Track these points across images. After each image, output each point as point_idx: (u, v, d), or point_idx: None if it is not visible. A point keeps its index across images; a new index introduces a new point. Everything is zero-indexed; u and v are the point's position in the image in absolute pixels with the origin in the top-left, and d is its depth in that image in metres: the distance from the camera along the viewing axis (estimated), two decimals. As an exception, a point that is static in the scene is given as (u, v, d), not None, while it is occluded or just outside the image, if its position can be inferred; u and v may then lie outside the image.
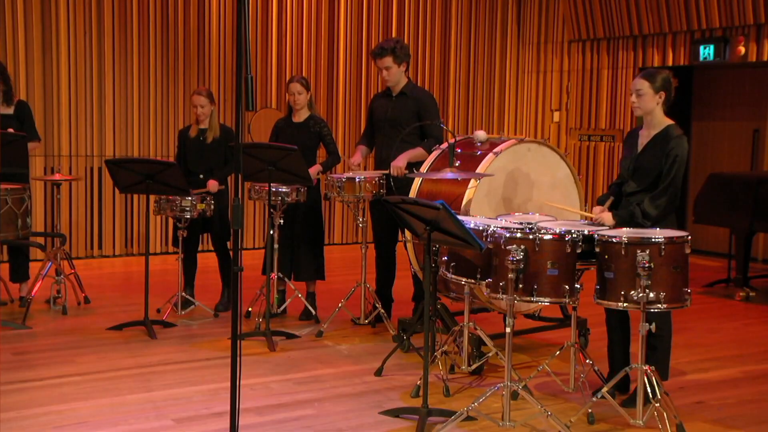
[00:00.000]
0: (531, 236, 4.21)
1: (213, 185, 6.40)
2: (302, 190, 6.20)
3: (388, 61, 6.09)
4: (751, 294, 7.63)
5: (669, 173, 4.49)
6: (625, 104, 9.91)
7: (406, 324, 5.74)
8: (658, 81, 4.55)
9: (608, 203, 4.77)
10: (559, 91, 10.73)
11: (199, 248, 6.88)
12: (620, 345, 4.81)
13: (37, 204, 8.47)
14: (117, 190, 6.49)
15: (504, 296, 4.23)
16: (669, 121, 4.62)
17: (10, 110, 6.51)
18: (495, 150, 5.49)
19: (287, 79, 9.06)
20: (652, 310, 4.13)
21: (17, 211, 5.73)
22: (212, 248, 6.69)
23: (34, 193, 8.24)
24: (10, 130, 6.25)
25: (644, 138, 4.65)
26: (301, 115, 6.48)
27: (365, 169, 6.57)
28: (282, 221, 6.20)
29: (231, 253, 6.49)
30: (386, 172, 5.98)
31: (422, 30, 10.51)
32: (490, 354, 5.09)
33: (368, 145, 6.42)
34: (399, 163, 5.94)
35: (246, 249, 9.51)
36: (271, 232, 6.17)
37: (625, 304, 4.16)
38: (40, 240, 7.46)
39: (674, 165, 4.48)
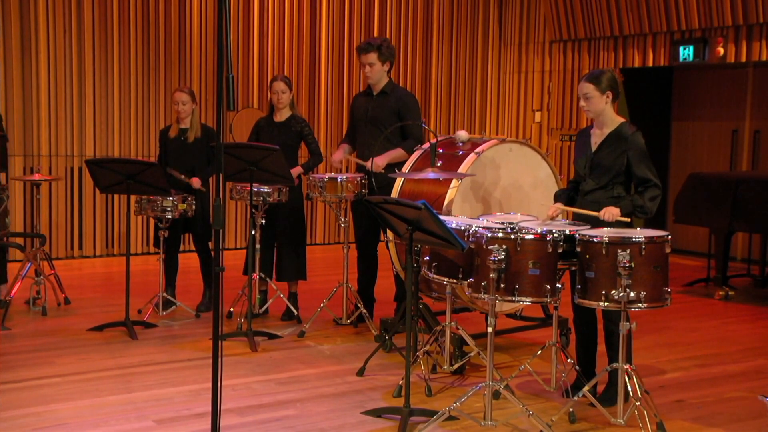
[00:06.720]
0: (512, 236, 4.22)
1: (196, 182, 6.38)
2: (284, 190, 6.19)
3: (373, 57, 6.09)
4: (730, 293, 7.68)
5: (644, 171, 4.52)
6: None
7: (388, 324, 5.74)
8: (603, 82, 4.60)
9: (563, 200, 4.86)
10: (540, 92, 10.76)
11: (181, 248, 6.86)
12: (587, 345, 4.83)
13: (16, 204, 8.41)
14: (97, 190, 6.45)
15: (486, 296, 4.24)
16: (621, 119, 4.69)
17: None
18: (477, 150, 5.50)
19: (269, 78, 9.04)
20: (633, 309, 4.16)
21: (-4, 211, 5.70)
22: (194, 248, 6.67)
23: (13, 193, 8.18)
24: None
25: (597, 137, 4.70)
26: (283, 115, 6.47)
27: (347, 170, 6.56)
28: (264, 221, 6.19)
29: (213, 253, 6.47)
30: (365, 163, 5.97)
31: (404, 30, 10.51)
32: (471, 354, 5.10)
33: (351, 144, 6.42)
34: (380, 162, 5.94)
35: (227, 249, 9.48)
36: (253, 232, 6.16)
37: (606, 304, 4.18)
38: (20, 240, 7.40)
39: (642, 161, 4.54)
